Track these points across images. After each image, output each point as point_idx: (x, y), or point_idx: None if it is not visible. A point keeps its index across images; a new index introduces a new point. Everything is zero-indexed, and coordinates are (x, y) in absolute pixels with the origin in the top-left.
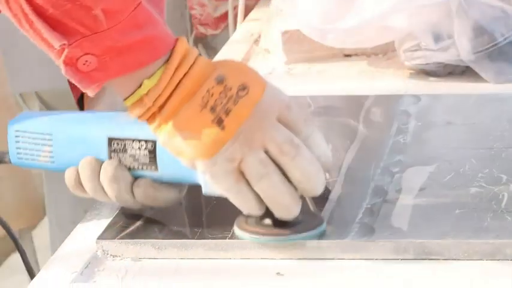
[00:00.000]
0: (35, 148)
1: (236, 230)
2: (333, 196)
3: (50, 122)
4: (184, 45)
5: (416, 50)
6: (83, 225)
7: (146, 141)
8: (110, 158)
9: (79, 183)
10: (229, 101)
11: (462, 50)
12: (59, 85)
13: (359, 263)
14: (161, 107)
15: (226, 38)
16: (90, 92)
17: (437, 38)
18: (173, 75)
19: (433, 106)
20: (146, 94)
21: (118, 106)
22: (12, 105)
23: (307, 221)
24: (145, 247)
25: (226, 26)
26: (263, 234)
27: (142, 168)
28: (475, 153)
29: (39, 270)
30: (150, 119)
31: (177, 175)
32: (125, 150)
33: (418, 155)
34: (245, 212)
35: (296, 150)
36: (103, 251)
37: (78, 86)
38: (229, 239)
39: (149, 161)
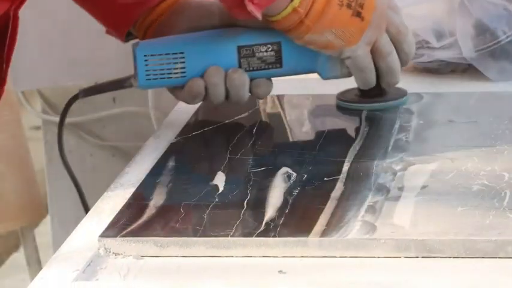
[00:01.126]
0: (167, 67)
1: (340, 102)
2: (335, 194)
3: (180, 42)
4: None
5: (418, 48)
6: (85, 223)
7: (272, 43)
8: (240, 64)
9: (203, 91)
10: None
11: (464, 48)
12: (61, 83)
13: (361, 260)
14: (307, 13)
15: None
16: (257, 12)
17: (439, 36)
18: None
19: (435, 104)
20: (298, 6)
21: (199, 29)
22: (15, 102)
23: (396, 93)
24: (148, 245)
25: None
26: (365, 102)
27: (268, 68)
28: (477, 151)
29: (41, 269)
30: (300, 24)
31: (298, 67)
32: (253, 54)
33: (420, 153)
34: (368, 84)
35: (407, 30)
36: (105, 249)
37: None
38: (231, 236)
39: (275, 60)
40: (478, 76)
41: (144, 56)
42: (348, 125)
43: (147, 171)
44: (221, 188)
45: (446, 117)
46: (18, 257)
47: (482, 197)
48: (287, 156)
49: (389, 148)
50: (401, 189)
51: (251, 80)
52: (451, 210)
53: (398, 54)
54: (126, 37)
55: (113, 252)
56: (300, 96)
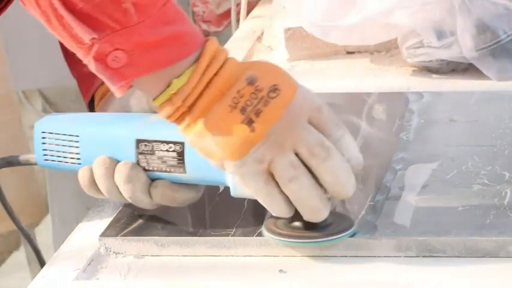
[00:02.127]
0: (62, 150)
1: (265, 232)
2: None
3: (77, 124)
4: (215, 44)
5: (419, 47)
6: (86, 223)
7: (174, 143)
8: (137, 160)
9: (93, 182)
10: (259, 102)
11: (465, 47)
12: (61, 83)
13: (362, 260)
14: (191, 107)
15: (229, 35)
16: (118, 92)
17: (440, 35)
18: (203, 74)
19: (435, 103)
20: (175, 93)
21: (129, 109)
22: (15, 102)
23: (337, 223)
24: (148, 244)
25: (229, 23)
26: (293, 237)
27: (170, 171)
28: (478, 150)
29: (42, 268)
30: (180, 119)
31: (206, 177)
32: (152, 152)
33: (420, 152)
34: (274, 214)
35: (327, 153)
36: (106, 248)
37: (108, 83)
38: (232, 236)
39: (177, 163)
40: (479, 75)
41: (42, 133)
42: (349, 124)
43: None
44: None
45: (446, 117)
46: (19, 256)
47: (482, 197)
48: None
49: (390, 147)
50: (402, 188)
51: (152, 180)
52: (451, 209)
53: (320, 183)
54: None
55: (114, 252)
56: None
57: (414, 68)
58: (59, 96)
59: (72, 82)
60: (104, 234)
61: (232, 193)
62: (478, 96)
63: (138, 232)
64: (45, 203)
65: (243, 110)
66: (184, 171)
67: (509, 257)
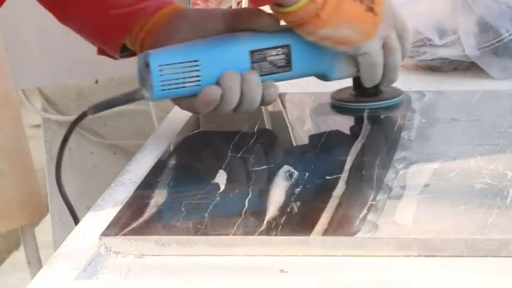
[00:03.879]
0: (182, 76)
1: (342, 104)
2: (337, 192)
3: (194, 49)
4: None
5: (421, 46)
6: (86, 222)
7: (282, 46)
8: (253, 68)
9: (219, 97)
10: None
11: (467, 45)
12: (61, 81)
13: (363, 259)
14: (322, 7)
15: None
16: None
17: (442, 33)
18: None
19: (437, 102)
20: None
21: (205, 33)
22: (15, 100)
23: (391, 91)
24: (149, 244)
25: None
26: (357, 102)
27: (278, 72)
28: (480, 149)
29: (41, 267)
30: (314, 18)
31: (307, 70)
32: (264, 59)
33: (422, 152)
34: (375, 82)
35: (408, 26)
36: (106, 247)
37: None
38: (232, 235)
39: (285, 63)
40: (481, 74)
41: (159, 66)
42: (350, 123)
43: (148, 170)
44: (222, 187)
45: (448, 116)
46: (19, 255)
47: (484, 196)
48: (289, 155)
49: (392, 146)
50: (403, 187)
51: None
52: (453, 208)
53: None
54: (121, 53)
55: (114, 251)
56: (302, 94)
57: (416, 67)
58: (59, 94)
59: (72, 80)
60: (104, 233)
61: (333, 76)
62: (480, 95)
63: (138, 231)
64: (45, 203)
65: (360, 1)
66: (290, 69)
67: (511, 256)
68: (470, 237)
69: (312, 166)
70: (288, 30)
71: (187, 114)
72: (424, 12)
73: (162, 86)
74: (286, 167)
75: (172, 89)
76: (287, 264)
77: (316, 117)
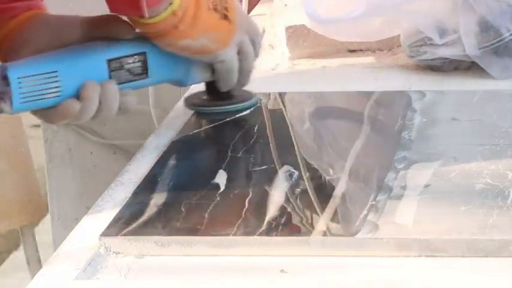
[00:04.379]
0: (42, 88)
1: (190, 107)
2: (338, 193)
3: (52, 60)
4: None
5: (421, 45)
6: (86, 222)
7: (139, 54)
8: (110, 77)
9: (80, 109)
10: (220, 0)
11: (468, 45)
12: None
13: (363, 260)
14: (182, 18)
15: None
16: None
17: (442, 33)
18: None
19: (438, 102)
20: (177, 9)
21: (62, 41)
22: None
23: (244, 94)
24: (149, 244)
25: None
26: (211, 106)
27: (135, 80)
28: (481, 149)
29: (41, 267)
30: (173, 30)
31: (162, 77)
32: (121, 67)
33: (423, 152)
34: (231, 86)
35: (259, 30)
36: (106, 247)
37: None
38: (232, 235)
39: (142, 71)
40: (482, 74)
41: (18, 78)
42: (350, 123)
43: (148, 170)
44: (222, 187)
45: (449, 116)
46: (19, 255)
47: (485, 196)
48: (289, 155)
49: (392, 146)
50: (404, 187)
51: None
52: (454, 209)
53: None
54: None
55: (114, 251)
56: (302, 93)
57: (416, 66)
58: None
59: None
60: (104, 233)
61: (188, 82)
62: (480, 95)
63: (138, 232)
64: (45, 203)
65: (215, 9)
66: (147, 76)
67: (511, 256)
68: (470, 238)
69: (312, 166)
70: (144, 38)
71: (187, 114)
72: (425, 12)
73: (22, 98)
74: (286, 167)
75: (32, 101)
76: (287, 264)
77: (316, 117)
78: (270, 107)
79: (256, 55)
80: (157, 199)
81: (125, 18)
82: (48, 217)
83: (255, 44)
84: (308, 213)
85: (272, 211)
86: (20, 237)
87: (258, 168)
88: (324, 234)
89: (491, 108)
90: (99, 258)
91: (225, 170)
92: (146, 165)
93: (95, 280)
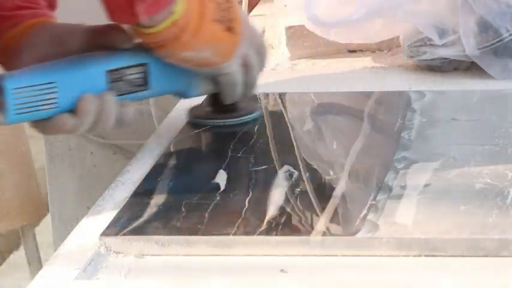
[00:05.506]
0: (39, 99)
1: (194, 120)
2: (337, 192)
3: (50, 71)
4: None
5: (421, 46)
6: (86, 222)
7: (139, 65)
8: (110, 89)
9: (76, 123)
10: (225, 11)
11: (467, 45)
12: None
13: (363, 259)
14: (184, 29)
15: None
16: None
17: (442, 33)
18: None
19: (437, 102)
20: (179, 19)
21: (66, 48)
22: None
23: (247, 107)
24: (149, 244)
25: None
26: (214, 119)
27: (135, 91)
28: (480, 149)
29: (41, 267)
30: (174, 41)
31: (163, 89)
32: (121, 78)
33: (422, 152)
34: (235, 99)
35: (265, 42)
36: (106, 247)
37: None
38: (233, 235)
39: (142, 82)
40: (481, 74)
41: (14, 89)
42: (350, 123)
43: (148, 170)
44: (222, 187)
45: (449, 116)
46: (19, 255)
47: (485, 196)
48: (289, 155)
49: (392, 146)
50: (403, 187)
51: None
52: (453, 208)
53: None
54: None
55: (114, 251)
56: (302, 94)
57: (416, 67)
58: None
59: None
60: (104, 233)
61: (190, 94)
62: (480, 95)
63: (138, 231)
64: (45, 203)
65: (220, 21)
66: (147, 88)
67: (511, 256)
68: (470, 237)
69: (312, 166)
70: (146, 49)
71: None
72: (424, 12)
73: (17, 109)
74: (286, 167)
75: (28, 112)
76: (287, 264)
77: (316, 117)
78: (270, 107)
79: (261, 67)
80: (157, 199)
81: (126, 28)
82: (48, 217)
83: (260, 55)
84: (308, 213)
85: (272, 211)
86: (20, 237)
87: (258, 168)
88: (324, 234)
89: (491, 108)
90: (99, 258)
91: (225, 170)
92: (146, 165)
93: (95, 280)
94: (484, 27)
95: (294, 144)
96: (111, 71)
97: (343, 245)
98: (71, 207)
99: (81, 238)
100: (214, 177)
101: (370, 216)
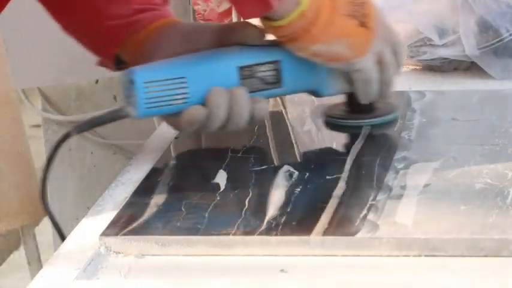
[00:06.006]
0: (169, 93)
1: (329, 119)
2: (337, 192)
3: (180, 66)
4: None
5: (421, 46)
6: (86, 222)
7: (272, 62)
8: (242, 85)
9: (206, 116)
10: (359, 6)
11: (467, 45)
12: (61, 81)
13: (363, 259)
14: (314, 22)
15: None
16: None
17: (442, 33)
18: None
19: (438, 102)
20: (306, 10)
21: (194, 46)
22: (15, 100)
23: (386, 107)
24: (149, 244)
25: (230, 22)
26: (349, 119)
27: (267, 88)
28: (480, 149)
29: (41, 267)
30: (304, 34)
31: (296, 87)
32: (253, 75)
33: (422, 151)
34: (371, 98)
35: (401, 40)
36: (106, 247)
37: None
38: (233, 235)
39: (275, 80)
40: (481, 74)
41: (144, 83)
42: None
43: (148, 170)
44: (222, 187)
45: (449, 116)
46: (19, 255)
47: (485, 196)
48: (289, 155)
49: (392, 146)
50: (403, 187)
51: None
52: (453, 208)
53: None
54: (118, 65)
55: (114, 251)
56: (302, 94)
57: (416, 67)
58: (59, 94)
59: (72, 80)
60: (104, 233)
61: (326, 93)
62: (480, 95)
63: (138, 231)
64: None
65: (353, 16)
66: (280, 86)
67: (511, 256)
68: (470, 237)
69: (312, 166)
70: (278, 45)
71: None
72: (424, 12)
73: (147, 103)
74: (286, 167)
75: (158, 106)
76: (287, 264)
77: (316, 117)
78: (270, 107)
79: (398, 66)
80: (157, 199)
81: (256, 24)
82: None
83: (397, 54)
84: (308, 213)
85: (272, 211)
86: (20, 237)
87: (258, 168)
88: (324, 234)
89: (491, 108)
90: (99, 258)
91: (225, 170)
92: (146, 165)
93: (95, 280)
94: (484, 27)
95: (294, 144)
96: (243, 67)
97: (343, 245)
98: (70, 207)
99: (81, 238)
100: (214, 177)
101: (370, 216)
